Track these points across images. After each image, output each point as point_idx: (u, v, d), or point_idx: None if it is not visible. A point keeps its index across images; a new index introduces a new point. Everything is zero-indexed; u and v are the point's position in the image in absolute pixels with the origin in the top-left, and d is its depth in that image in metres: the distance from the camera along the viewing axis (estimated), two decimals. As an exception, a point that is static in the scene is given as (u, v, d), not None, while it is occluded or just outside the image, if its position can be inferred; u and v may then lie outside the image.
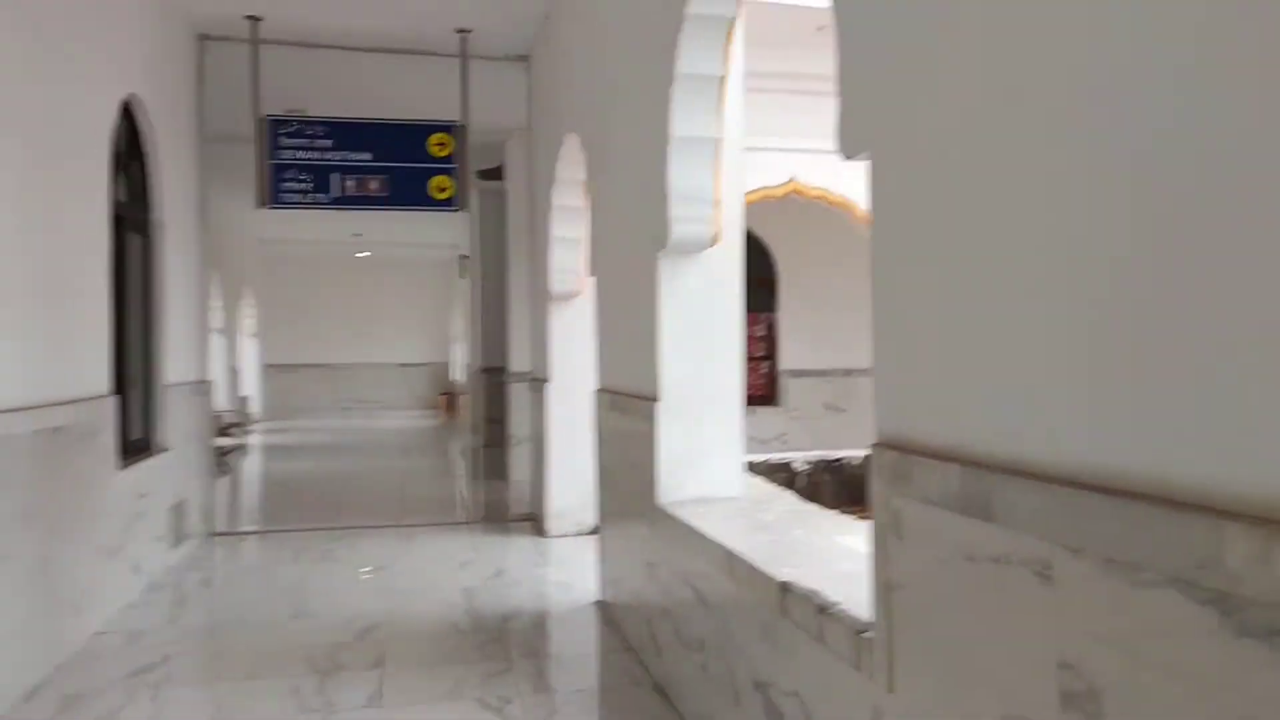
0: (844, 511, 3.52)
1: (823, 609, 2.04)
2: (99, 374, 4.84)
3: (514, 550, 6.50)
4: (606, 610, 4.92)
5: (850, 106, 2.02)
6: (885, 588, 1.76)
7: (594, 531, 6.60)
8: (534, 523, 7.33)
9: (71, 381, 4.43)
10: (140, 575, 5.38)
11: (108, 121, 5.06)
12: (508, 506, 8.43)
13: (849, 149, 2.01)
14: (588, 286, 6.65)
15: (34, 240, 4.04)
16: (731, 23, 3.49)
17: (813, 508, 3.37)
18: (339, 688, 3.88)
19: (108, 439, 4.88)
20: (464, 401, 17.16)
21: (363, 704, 3.71)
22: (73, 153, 4.55)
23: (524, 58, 7.43)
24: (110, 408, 4.93)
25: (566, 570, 5.92)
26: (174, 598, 5.36)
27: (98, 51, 4.94)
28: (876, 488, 1.77)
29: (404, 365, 21.77)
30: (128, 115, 5.55)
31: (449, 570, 5.94)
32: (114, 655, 4.31)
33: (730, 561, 2.77)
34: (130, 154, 5.71)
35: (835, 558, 2.52)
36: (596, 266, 5.24)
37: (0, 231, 3.72)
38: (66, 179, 4.45)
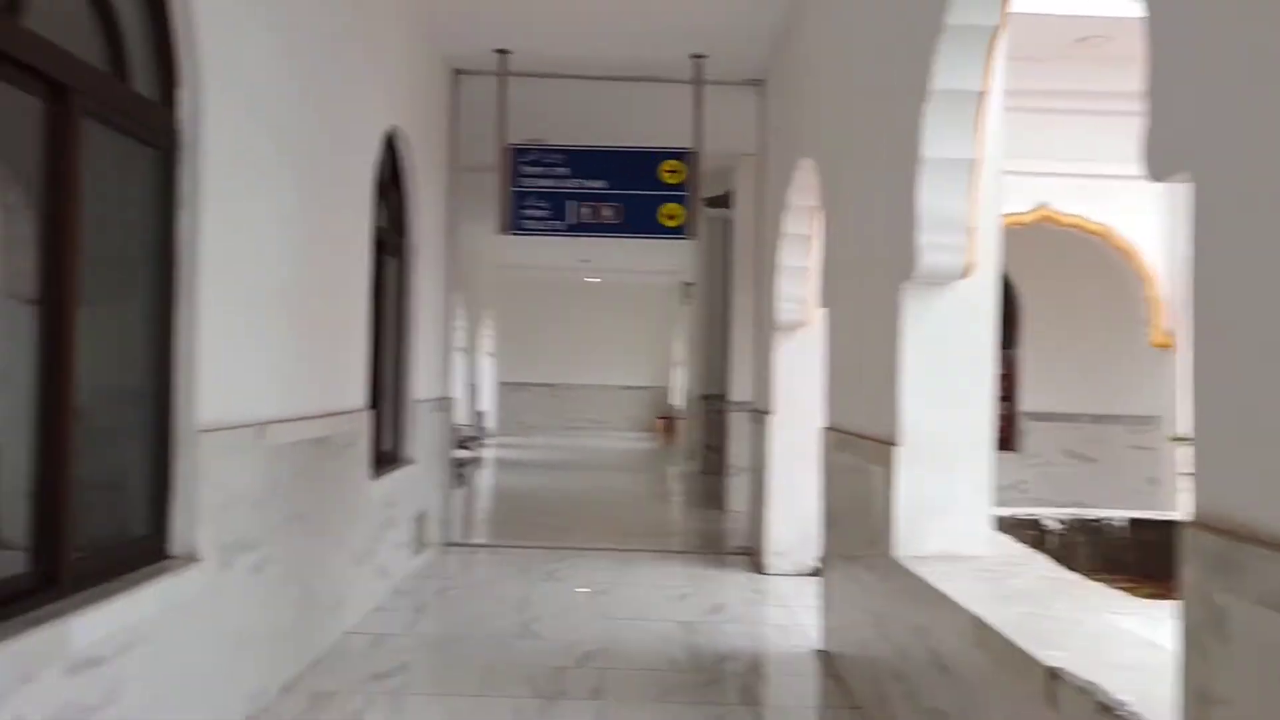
0: (1104, 581, 3.16)
1: (1106, 708, 1.78)
2: (358, 389, 5.15)
3: (731, 585, 6.37)
4: (829, 661, 4.70)
5: (1164, 117, 1.73)
6: (1199, 699, 1.48)
7: (815, 573, 6.37)
8: (751, 558, 7.18)
9: (335, 395, 4.73)
10: (386, 580, 5.68)
11: (373, 152, 5.40)
12: (724, 538, 8.32)
13: (1159, 169, 1.72)
14: (816, 317, 6.47)
15: (308, 260, 4.33)
16: (994, 33, 3.24)
17: (1073, 577, 3.04)
18: (560, 715, 3.88)
19: (363, 450, 5.19)
20: (682, 426, 17.26)
21: (583, 735, 3.69)
22: (344, 181, 4.88)
23: (758, 81, 7.36)
24: (366, 421, 5.23)
25: (785, 612, 5.73)
26: (414, 604, 5.61)
27: (368, 87, 5.29)
28: (1191, 575, 1.50)
29: (625, 388, 22.24)
30: (389, 146, 5.92)
31: (667, 601, 5.90)
32: (360, 656, 4.55)
33: (981, 632, 2.52)
34: (390, 182, 6.09)
35: (1113, 644, 2.23)
36: (828, 297, 5.05)
37: (281, 249, 4.02)
38: (338, 204, 4.76)
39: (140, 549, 3.07)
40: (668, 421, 20.84)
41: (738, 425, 9.50)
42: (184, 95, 3.23)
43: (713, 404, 12.08)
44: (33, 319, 2.64)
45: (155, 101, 3.16)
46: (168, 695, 3.00)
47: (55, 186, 2.66)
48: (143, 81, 3.12)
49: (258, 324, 3.79)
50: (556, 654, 4.70)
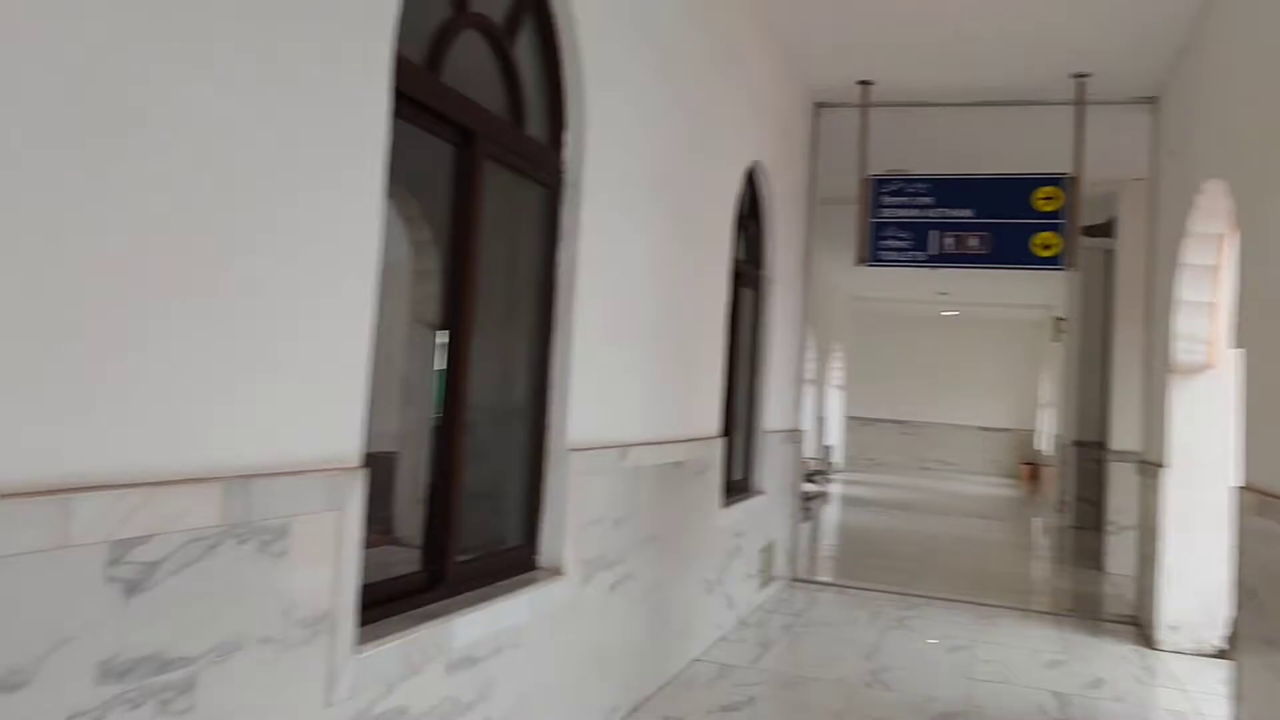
0: None
1: None
2: (713, 416, 5.21)
3: (1113, 659, 5.65)
4: (1240, 759, 3.99)
5: None
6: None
7: (1221, 655, 5.56)
8: (1138, 629, 6.34)
9: (692, 422, 4.81)
10: (733, 610, 5.68)
11: (736, 185, 5.48)
12: (1103, 603, 7.45)
13: None
14: (1225, 359, 5.62)
15: (672, 291, 4.46)
16: None
17: None
18: (914, 774, 3.61)
19: (716, 477, 5.23)
20: (1048, 474, 15.86)
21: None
22: (708, 214, 4.98)
23: (1150, 99, 6.59)
24: (719, 449, 5.28)
25: (1182, 697, 4.97)
26: (759, 638, 5.55)
27: (735, 123, 5.38)
28: None
29: (984, 429, 20.87)
30: (749, 180, 5.98)
31: (1035, 667, 5.35)
32: (706, 687, 4.55)
33: None
34: (749, 214, 6.14)
35: None
36: (1244, 336, 4.34)
37: (648, 281, 4.16)
38: (701, 238, 4.87)
39: (513, 558, 3.26)
40: (1032, 468, 19.28)
41: (1120, 477, 8.52)
42: (569, 138, 3.45)
43: (1088, 451, 10.98)
44: (434, 343, 2.90)
45: (545, 144, 3.38)
46: (532, 701, 3.15)
47: (460, 223, 2.91)
48: (535, 126, 3.36)
49: (625, 350, 3.93)
50: (908, 710, 4.41)
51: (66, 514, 1.49)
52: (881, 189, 7.04)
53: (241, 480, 1.86)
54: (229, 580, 1.84)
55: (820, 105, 7.26)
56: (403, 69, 2.43)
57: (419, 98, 2.59)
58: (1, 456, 1.43)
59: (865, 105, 6.87)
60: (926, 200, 6.97)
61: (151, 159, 1.66)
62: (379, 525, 2.94)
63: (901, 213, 7.00)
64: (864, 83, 6.77)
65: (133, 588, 1.63)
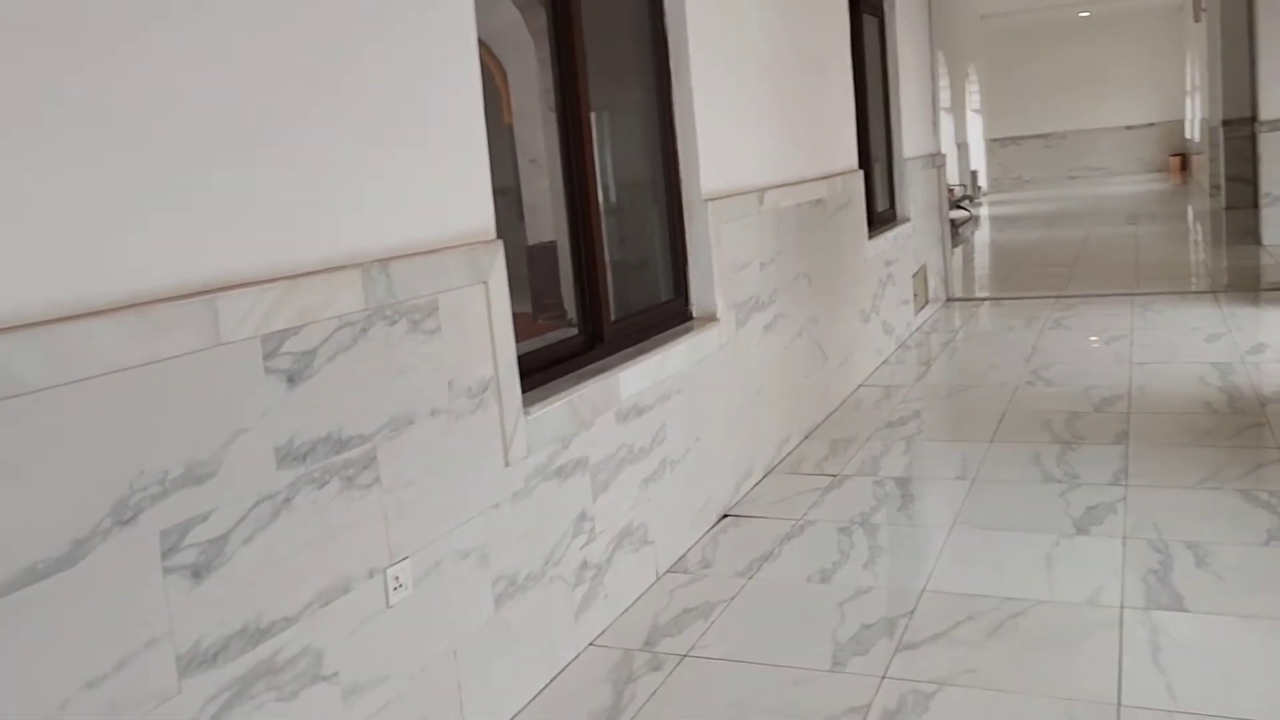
0: None
1: None
2: (848, 151, 4.76)
3: (1273, 324, 5.09)
4: None
5: None
6: None
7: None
8: (1299, 293, 5.67)
9: (826, 159, 4.40)
10: (891, 336, 5.41)
11: (844, -95, 4.72)
12: (1261, 274, 6.68)
13: None
14: None
15: (788, 29, 3.95)
16: None
17: None
18: (1081, 460, 3.38)
19: (859, 211, 4.85)
20: (1199, 162, 14.20)
21: (1108, 480, 3.16)
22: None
23: None
24: (858, 182, 4.86)
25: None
26: (920, 357, 5.30)
27: None
28: None
29: (1130, 128, 18.71)
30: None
31: (1194, 343, 4.87)
32: (872, 407, 4.37)
33: None
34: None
35: None
36: None
37: (761, 21, 3.68)
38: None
39: (667, 311, 3.10)
40: (1182, 158, 17.34)
41: (1272, 148, 7.47)
42: None
43: (1237, 129, 9.66)
44: (557, 125, 2.64)
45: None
46: (706, 440, 3.07)
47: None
48: None
49: (748, 95, 3.54)
50: (1071, 400, 4.11)
51: (215, 313, 1.40)
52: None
53: (380, 264, 1.72)
54: (387, 360, 1.74)
55: None
56: None
57: None
58: (148, 262, 1.34)
59: None
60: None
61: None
62: (552, 312, 2.83)
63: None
64: None
65: (294, 376, 1.55)
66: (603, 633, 2.43)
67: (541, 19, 2.71)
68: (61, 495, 1.20)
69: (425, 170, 1.89)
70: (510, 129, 2.84)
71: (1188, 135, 17.34)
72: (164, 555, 1.32)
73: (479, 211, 2.04)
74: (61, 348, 1.20)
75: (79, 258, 1.25)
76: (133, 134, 1.32)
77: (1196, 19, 13.37)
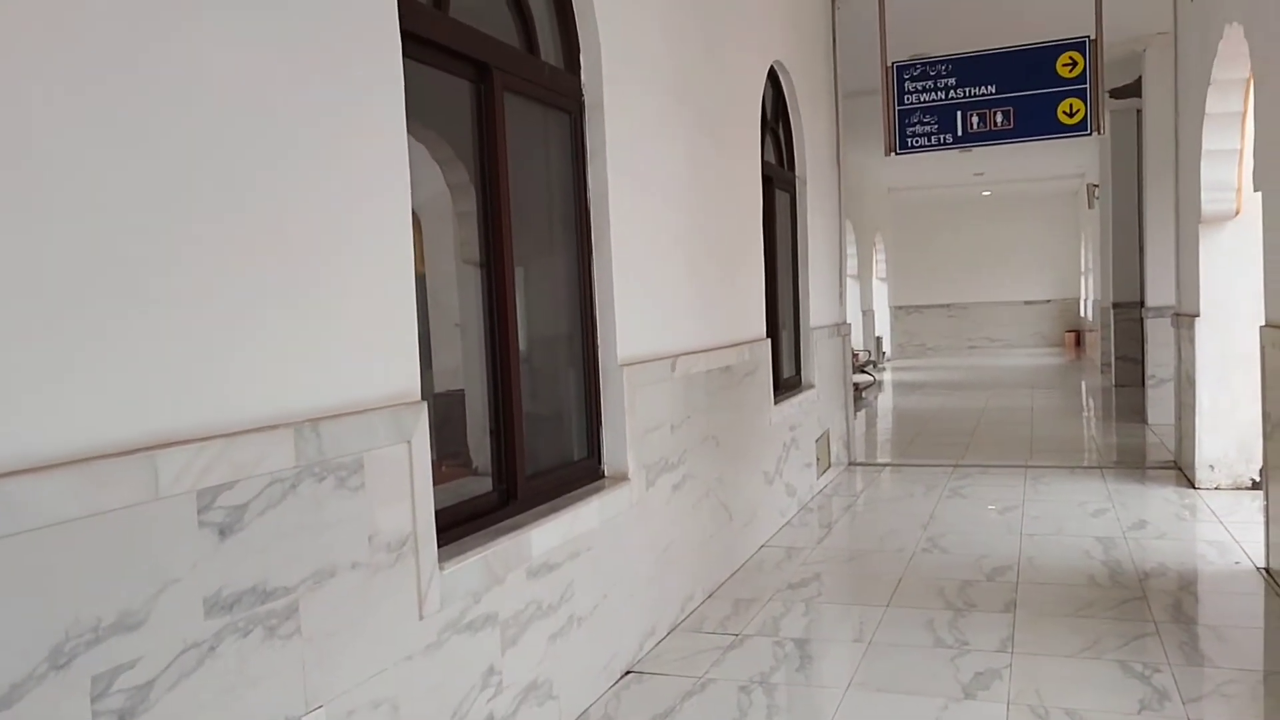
0: None
1: None
2: (757, 319, 5.18)
3: (1156, 501, 5.60)
4: (1277, 579, 3.94)
5: None
6: None
7: (1255, 486, 5.52)
8: (1178, 472, 6.26)
9: (736, 327, 4.79)
10: (794, 498, 5.73)
11: (759, 88, 5.30)
12: (1145, 453, 7.34)
13: None
14: (1248, 205, 5.40)
15: (704, 202, 4.36)
16: None
17: None
18: (971, 627, 3.66)
19: (765, 377, 5.23)
20: (1091, 339, 15.52)
21: (996, 647, 3.44)
22: (733, 121, 4.82)
23: (1167, -53, 6.20)
24: (766, 350, 5.26)
25: (1220, 528, 4.93)
26: (821, 519, 5.60)
27: (750, 21, 5.16)
28: None
29: (1028, 303, 20.42)
30: (772, 81, 5.78)
31: (1081, 517, 5.32)
32: (774, 568, 4.62)
33: None
34: (775, 116, 5.98)
35: None
36: (1265, 179, 4.15)
37: (679, 194, 4.07)
38: (728, 145, 4.73)
39: (579, 470, 3.32)
40: (1077, 335, 18.88)
41: (1157, 332, 8.35)
42: (585, 60, 3.36)
43: (1127, 312, 10.73)
44: (480, 280, 2.91)
45: (562, 68, 3.31)
46: (612, 597, 3.25)
47: (486, 157, 2.87)
48: (549, 51, 3.28)
49: (664, 265, 3.89)
50: (964, 568, 4.43)
51: (154, 469, 1.56)
52: (904, 75, 6.79)
53: (311, 423, 1.91)
54: (313, 515, 1.91)
55: (834, -1, 6.98)
56: (410, 8, 2.39)
57: (431, 36, 2.54)
58: (92, 420, 1.49)
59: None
60: (950, 81, 6.71)
61: (193, 127, 1.67)
62: (457, 459, 3.01)
63: (926, 97, 6.77)
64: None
65: (225, 529, 1.70)
66: (501, 795, 2.50)
67: (462, 174, 3.02)
68: (2, 640, 1.32)
69: (357, 336, 2.09)
70: (422, 278, 3.08)
71: (1082, 314, 18.95)
72: (93, 700, 1.43)
73: (405, 374, 2.25)
74: (6, 501, 1.33)
75: (23, 416, 1.39)
76: (67, 300, 1.45)
77: (1090, 205, 14.93)
